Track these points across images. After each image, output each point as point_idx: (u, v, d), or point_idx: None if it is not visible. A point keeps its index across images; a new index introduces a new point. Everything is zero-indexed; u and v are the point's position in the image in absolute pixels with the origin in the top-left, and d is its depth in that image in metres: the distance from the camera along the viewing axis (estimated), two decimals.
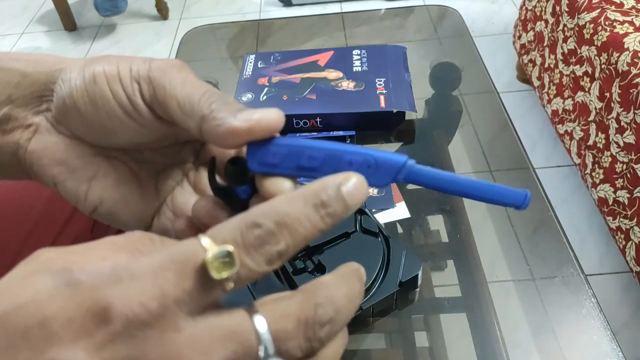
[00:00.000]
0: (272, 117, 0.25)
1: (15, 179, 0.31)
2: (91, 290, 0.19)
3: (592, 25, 1.25)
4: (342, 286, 0.23)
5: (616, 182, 1.16)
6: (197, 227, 0.30)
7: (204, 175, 0.33)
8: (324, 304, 0.22)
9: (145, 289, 0.20)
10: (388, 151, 0.27)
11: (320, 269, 0.50)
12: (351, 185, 0.23)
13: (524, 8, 1.67)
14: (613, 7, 1.25)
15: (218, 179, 0.29)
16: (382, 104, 0.69)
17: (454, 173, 0.27)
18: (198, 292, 0.20)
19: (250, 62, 0.80)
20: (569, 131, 1.37)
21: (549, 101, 1.48)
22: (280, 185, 0.26)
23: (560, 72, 1.41)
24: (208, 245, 0.21)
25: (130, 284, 0.20)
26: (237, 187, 0.28)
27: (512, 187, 0.28)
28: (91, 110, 0.28)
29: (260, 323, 0.21)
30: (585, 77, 1.29)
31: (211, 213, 0.28)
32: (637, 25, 1.19)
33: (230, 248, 0.20)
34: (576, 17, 1.32)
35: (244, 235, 0.21)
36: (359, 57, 0.78)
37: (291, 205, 0.22)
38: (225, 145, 0.26)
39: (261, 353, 0.21)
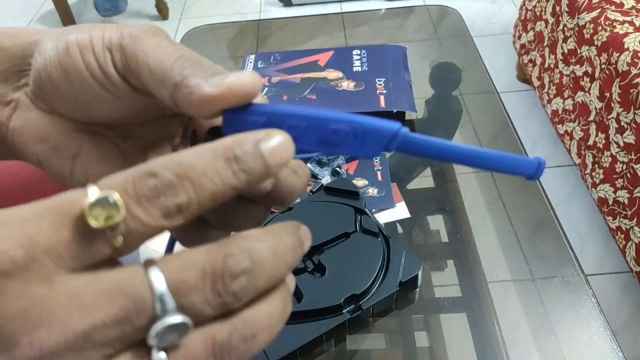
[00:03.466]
0: (246, 80, 0.23)
1: (2, 159, 0.30)
2: None
3: (592, 25, 1.25)
4: (266, 238, 0.21)
5: (616, 182, 1.16)
6: None
7: None
8: (237, 254, 0.20)
9: (11, 236, 0.18)
10: (379, 118, 0.24)
11: (320, 269, 0.50)
12: (273, 142, 0.21)
13: (524, 8, 1.67)
14: (613, 7, 1.25)
15: None
16: (382, 104, 0.69)
17: (453, 142, 0.24)
18: (77, 244, 0.18)
19: (250, 62, 0.80)
20: (569, 131, 1.37)
21: (549, 101, 1.48)
22: None
23: (560, 72, 1.41)
24: (92, 192, 0.19)
25: None
26: None
27: (524, 156, 0.25)
28: (65, 83, 0.26)
29: (156, 275, 0.19)
30: (585, 77, 1.29)
31: None
32: (637, 25, 1.19)
33: (115, 195, 0.18)
34: (576, 17, 1.32)
35: (136, 184, 0.19)
36: (359, 57, 0.78)
37: (198, 156, 0.20)
38: (199, 114, 0.24)
39: (158, 308, 0.18)
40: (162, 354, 0.19)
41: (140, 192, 0.19)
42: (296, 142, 0.23)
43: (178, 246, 0.27)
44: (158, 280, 0.19)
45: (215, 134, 0.25)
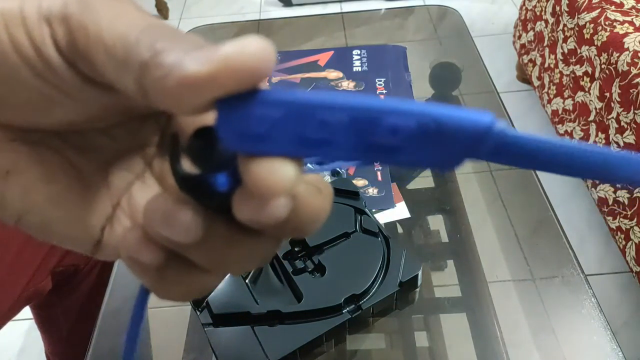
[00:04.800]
0: (251, 50, 0.15)
1: None
2: None
3: (592, 25, 1.25)
4: None
5: None
6: (153, 241, 0.19)
7: None
8: None
9: None
10: (459, 107, 0.15)
11: (320, 269, 0.50)
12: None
13: (524, 8, 1.67)
14: (613, 7, 1.25)
15: (186, 164, 0.18)
16: None
17: (580, 143, 0.15)
18: None
19: None
20: (569, 131, 1.37)
21: (549, 101, 1.48)
22: (275, 171, 0.16)
23: (560, 72, 1.41)
24: None
25: None
26: (212, 175, 0.17)
27: None
28: None
29: None
30: (585, 77, 1.29)
31: (171, 218, 0.18)
32: (637, 25, 1.19)
33: None
34: (576, 17, 1.32)
35: None
36: (359, 57, 0.78)
37: None
38: (179, 108, 0.16)
39: None
40: None
41: None
42: (330, 147, 0.16)
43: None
44: None
45: (204, 137, 0.18)
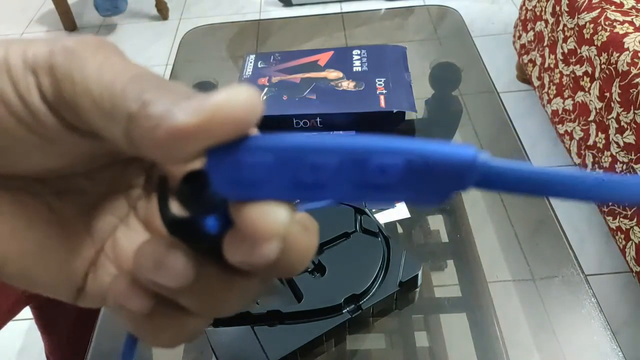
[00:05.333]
0: (241, 101, 0.15)
1: None
2: None
3: (592, 25, 1.25)
4: None
5: None
6: (143, 289, 0.19)
7: None
8: None
9: None
10: (445, 143, 0.16)
11: (320, 269, 0.50)
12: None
13: (524, 8, 1.67)
14: (613, 7, 1.25)
15: (174, 207, 0.18)
16: (382, 104, 0.69)
17: (554, 169, 0.16)
18: None
19: (251, 62, 0.80)
20: (569, 131, 1.37)
21: (549, 101, 1.48)
22: (268, 215, 0.16)
23: (560, 72, 1.41)
24: None
25: None
26: (202, 218, 0.17)
27: None
28: None
29: None
30: (585, 77, 1.29)
31: (163, 263, 0.18)
32: (637, 25, 1.19)
33: None
34: (576, 17, 1.32)
35: None
36: (359, 57, 0.78)
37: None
38: (169, 158, 0.16)
39: None
40: None
41: None
42: (322, 189, 0.16)
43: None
44: None
45: (194, 182, 0.17)
